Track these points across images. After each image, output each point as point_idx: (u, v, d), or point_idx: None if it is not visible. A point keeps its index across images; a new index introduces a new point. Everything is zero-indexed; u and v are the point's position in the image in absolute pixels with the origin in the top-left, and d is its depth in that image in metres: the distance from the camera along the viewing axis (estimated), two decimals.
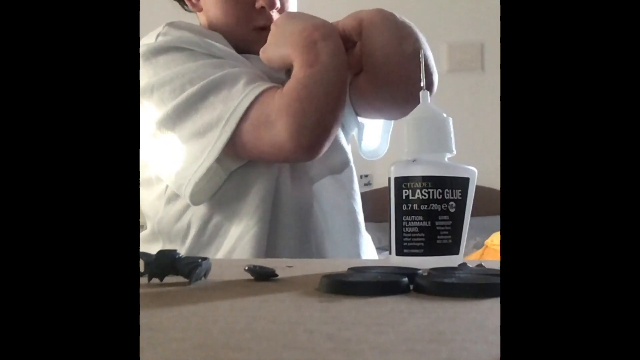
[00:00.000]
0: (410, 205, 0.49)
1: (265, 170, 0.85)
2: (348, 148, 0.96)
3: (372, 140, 1.01)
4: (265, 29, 0.89)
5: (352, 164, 0.96)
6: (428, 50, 0.85)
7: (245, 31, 0.91)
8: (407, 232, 0.49)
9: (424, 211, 0.49)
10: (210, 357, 0.23)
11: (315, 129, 0.77)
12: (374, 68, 0.85)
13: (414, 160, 0.51)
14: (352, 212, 0.93)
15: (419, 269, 0.43)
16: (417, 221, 0.49)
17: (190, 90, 0.80)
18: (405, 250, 0.49)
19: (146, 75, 0.83)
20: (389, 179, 0.51)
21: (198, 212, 0.86)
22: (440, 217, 0.49)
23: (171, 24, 0.88)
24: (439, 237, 0.49)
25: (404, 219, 0.49)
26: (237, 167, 0.84)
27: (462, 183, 0.50)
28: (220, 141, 0.78)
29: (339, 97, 0.79)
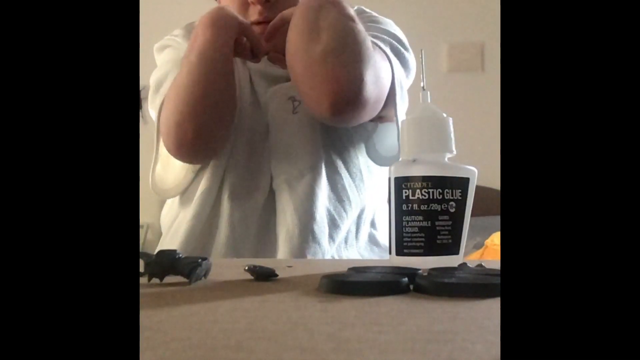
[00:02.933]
0: (410, 205, 0.49)
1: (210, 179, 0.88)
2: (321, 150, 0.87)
3: (389, 146, 0.92)
4: (259, 24, 0.88)
5: (316, 171, 0.86)
6: (361, 45, 0.78)
7: None
8: (407, 232, 0.49)
9: (424, 211, 0.49)
10: (210, 357, 0.23)
11: (178, 134, 0.82)
12: (288, 66, 0.81)
13: (414, 160, 0.51)
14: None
15: (419, 269, 0.43)
16: (417, 221, 0.49)
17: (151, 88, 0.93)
18: (405, 250, 0.49)
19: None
20: (389, 179, 0.51)
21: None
22: (440, 217, 0.49)
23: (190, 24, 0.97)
24: (439, 237, 0.49)
25: (404, 219, 0.49)
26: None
27: (462, 183, 0.50)
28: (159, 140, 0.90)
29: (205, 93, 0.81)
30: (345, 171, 0.88)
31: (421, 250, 0.49)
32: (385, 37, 0.88)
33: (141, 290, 0.39)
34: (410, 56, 0.91)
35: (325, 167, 0.87)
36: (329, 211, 0.85)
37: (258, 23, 0.89)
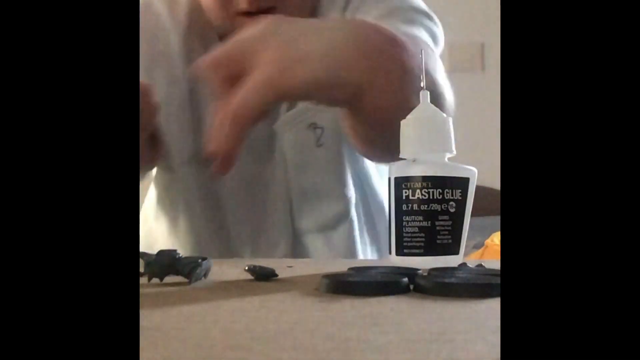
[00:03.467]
0: (410, 205, 0.49)
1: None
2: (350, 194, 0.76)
3: None
4: (250, 15, 0.70)
5: (352, 217, 0.76)
6: (436, 63, 0.66)
7: (227, 17, 0.74)
8: (407, 232, 0.49)
9: (424, 211, 0.49)
10: (210, 357, 0.23)
11: None
12: (369, 123, 0.62)
13: (413, 160, 0.51)
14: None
15: (419, 269, 0.43)
16: (417, 221, 0.49)
17: None
18: (405, 250, 0.49)
19: None
20: (389, 179, 0.51)
21: None
22: (440, 217, 0.49)
23: None
24: (439, 237, 0.49)
25: (404, 219, 0.49)
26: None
27: (462, 183, 0.50)
28: None
29: None
30: (366, 200, 0.81)
31: (421, 250, 0.49)
32: (419, 19, 0.74)
33: (141, 290, 0.39)
34: (438, 30, 0.77)
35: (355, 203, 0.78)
36: None
37: (247, 14, 0.71)
